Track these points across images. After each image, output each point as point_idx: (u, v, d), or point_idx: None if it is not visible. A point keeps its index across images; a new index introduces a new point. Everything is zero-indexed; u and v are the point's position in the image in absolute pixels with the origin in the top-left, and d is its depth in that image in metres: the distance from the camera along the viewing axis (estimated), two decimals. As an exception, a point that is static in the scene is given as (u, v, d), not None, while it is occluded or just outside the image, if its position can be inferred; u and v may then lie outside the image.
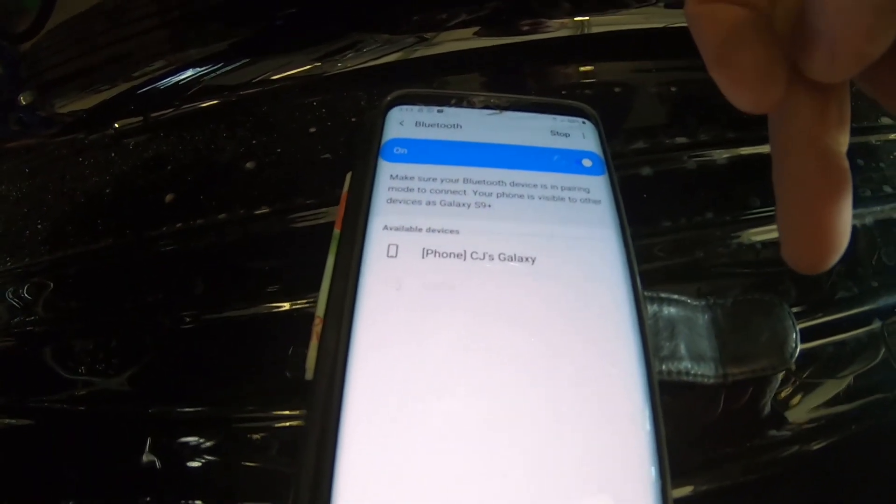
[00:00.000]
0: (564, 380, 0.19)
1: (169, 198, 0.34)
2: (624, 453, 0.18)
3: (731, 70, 0.15)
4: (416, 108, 0.26)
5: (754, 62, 0.15)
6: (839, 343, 0.29)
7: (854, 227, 0.33)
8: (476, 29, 0.40)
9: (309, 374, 0.22)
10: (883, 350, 0.29)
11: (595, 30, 0.40)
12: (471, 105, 0.26)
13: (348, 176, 0.27)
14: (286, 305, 0.29)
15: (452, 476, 0.18)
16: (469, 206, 0.22)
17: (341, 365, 0.19)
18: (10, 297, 0.37)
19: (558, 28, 0.40)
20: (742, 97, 0.15)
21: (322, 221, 0.30)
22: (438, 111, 0.26)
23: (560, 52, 0.38)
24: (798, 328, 0.26)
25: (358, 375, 0.19)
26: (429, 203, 0.22)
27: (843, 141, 0.16)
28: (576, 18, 0.39)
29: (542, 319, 0.20)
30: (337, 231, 0.25)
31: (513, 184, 0.23)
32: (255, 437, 0.27)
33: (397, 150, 0.24)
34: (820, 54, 0.14)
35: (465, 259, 0.21)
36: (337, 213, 0.26)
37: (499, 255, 0.21)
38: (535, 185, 0.23)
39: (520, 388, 0.19)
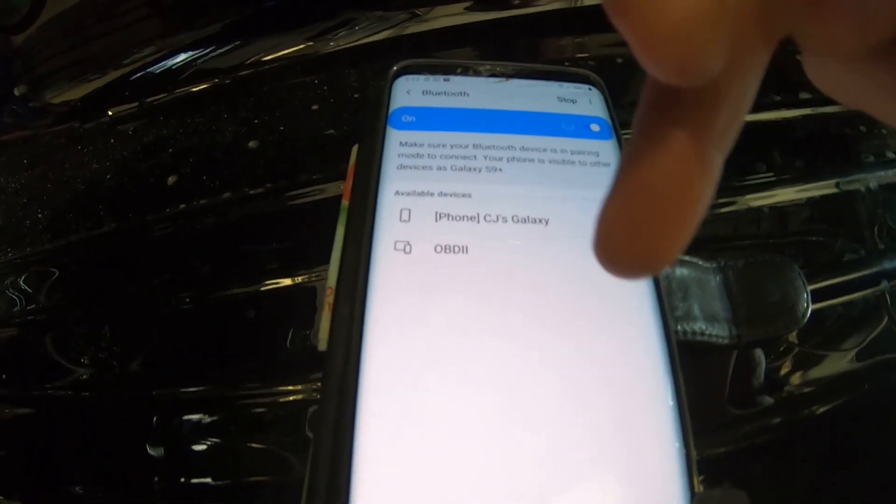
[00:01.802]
0: (583, 338, 0.19)
1: (171, 180, 0.34)
2: (646, 412, 0.18)
3: (650, 17, 0.09)
4: (422, 77, 0.26)
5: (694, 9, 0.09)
6: (848, 304, 0.29)
7: (859, 192, 0.33)
8: (468, 3, 0.39)
9: (322, 345, 0.22)
10: (891, 311, 0.29)
11: (588, 2, 0.40)
12: (477, 74, 0.26)
13: (354, 149, 0.26)
14: (288, 281, 0.29)
15: (473, 440, 0.18)
16: (480, 171, 0.22)
17: (357, 331, 0.19)
18: (12, 286, 0.36)
19: (549, 1, 0.39)
20: (666, 60, 0.09)
21: (328, 196, 0.30)
22: (445, 80, 0.26)
23: (558, 25, 0.38)
24: (809, 289, 0.26)
25: (374, 342, 0.19)
26: (440, 168, 0.22)
27: (728, 144, 0.11)
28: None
29: (557, 280, 0.20)
30: (345, 203, 0.25)
31: (522, 148, 0.23)
32: (260, 412, 0.27)
33: (405, 118, 0.24)
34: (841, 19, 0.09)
35: (478, 221, 0.21)
36: (344, 186, 0.26)
37: (512, 218, 0.21)
38: (544, 150, 0.23)
39: (539, 350, 0.19)
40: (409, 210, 0.21)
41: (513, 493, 0.17)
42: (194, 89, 0.39)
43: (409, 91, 0.25)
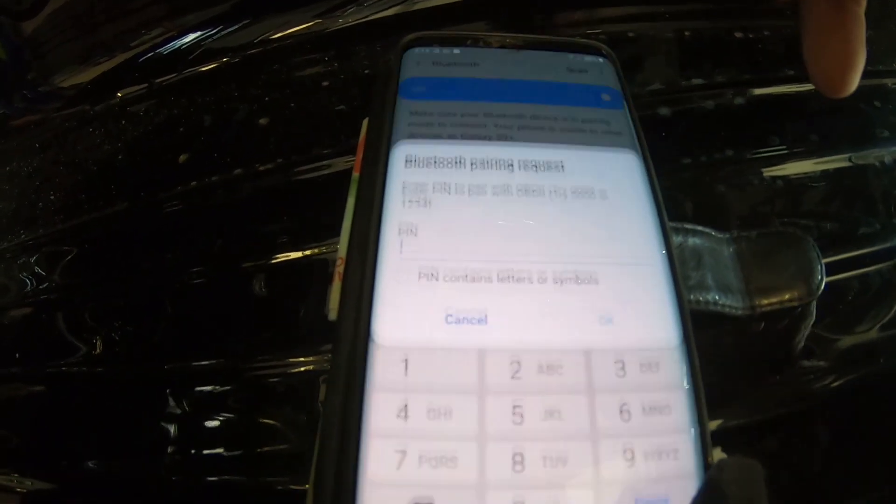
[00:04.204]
0: (595, 301, 0.19)
1: (183, 158, 0.34)
2: (660, 382, 0.18)
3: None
4: (432, 49, 0.26)
5: None
6: (863, 277, 0.29)
7: (873, 167, 0.33)
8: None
9: (332, 315, 0.22)
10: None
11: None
12: (487, 45, 0.26)
13: (364, 122, 0.26)
14: (300, 254, 0.29)
15: (484, 409, 0.17)
16: (491, 139, 0.22)
17: (367, 300, 0.19)
18: (26, 267, 0.37)
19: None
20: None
21: (338, 170, 0.30)
22: (455, 51, 0.26)
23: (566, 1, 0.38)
24: (823, 261, 0.26)
25: (384, 309, 0.19)
26: (450, 136, 0.22)
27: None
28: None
29: (570, 236, 0.20)
30: (356, 174, 0.25)
31: (533, 117, 0.23)
32: (271, 383, 0.27)
33: (416, 87, 0.24)
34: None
35: (486, 192, 0.21)
36: (355, 159, 0.26)
37: (522, 185, 0.21)
38: (555, 118, 0.23)
39: (552, 308, 0.19)
40: (420, 176, 0.21)
41: (522, 485, 0.17)
42: (203, 69, 0.39)
43: (420, 62, 0.25)
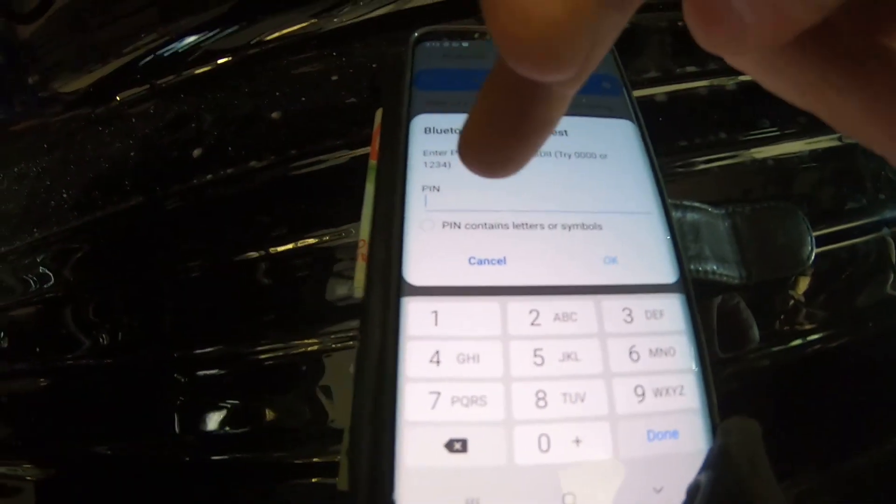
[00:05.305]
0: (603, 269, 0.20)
1: (196, 153, 0.35)
2: (667, 348, 0.19)
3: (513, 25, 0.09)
4: (442, 42, 0.27)
5: None
6: (851, 248, 0.30)
7: (860, 146, 0.34)
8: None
9: (359, 293, 0.23)
10: (893, 256, 0.31)
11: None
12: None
13: (378, 113, 0.28)
14: (313, 241, 0.30)
15: (514, 375, 0.18)
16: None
17: (396, 276, 0.20)
18: (37, 264, 0.37)
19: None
20: (526, 64, 0.10)
21: (348, 160, 0.31)
22: (463, 44, 0.27)
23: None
24: (813, 234, 0.28)
25: (411, 281, 0.20)
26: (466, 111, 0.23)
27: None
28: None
29: (576, 190, 0.22)
30: (373, 162, 0.26)
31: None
32: (274, 365, 0.29)
33: (429, 79, 0.25)
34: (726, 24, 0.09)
35: None
36: (370, 148, 0.27)
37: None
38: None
39: (566, 276, 0.20)
40: (437, 159, 0.22)
41: (546, 420, 0.18)
42: (198, 71, 0.40)
43: (431, 55, 0.27)
